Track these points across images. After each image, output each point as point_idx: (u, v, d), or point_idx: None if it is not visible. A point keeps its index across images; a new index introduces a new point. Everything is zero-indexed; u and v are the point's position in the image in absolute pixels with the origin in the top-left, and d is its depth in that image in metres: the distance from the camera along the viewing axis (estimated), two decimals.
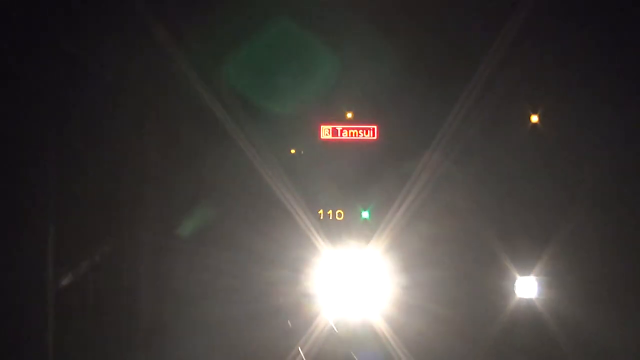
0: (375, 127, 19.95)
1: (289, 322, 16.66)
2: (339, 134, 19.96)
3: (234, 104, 15.74)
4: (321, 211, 19.84)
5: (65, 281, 7.65)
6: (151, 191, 12.73)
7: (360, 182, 19.30)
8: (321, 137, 20.01)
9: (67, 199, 8.62)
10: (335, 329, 16.16)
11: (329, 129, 20.11)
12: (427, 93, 17.61)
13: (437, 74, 17.36)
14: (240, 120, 16.17)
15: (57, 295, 7.30)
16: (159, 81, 13.10)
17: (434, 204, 18.01)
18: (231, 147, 16.53)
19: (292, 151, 20.31)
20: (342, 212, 19.86)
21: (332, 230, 18.95)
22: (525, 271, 17.02)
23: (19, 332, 6.19)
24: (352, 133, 19.97)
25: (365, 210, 19.56)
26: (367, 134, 19.92)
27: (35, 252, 6.37)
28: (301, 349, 15.68)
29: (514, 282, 16.95)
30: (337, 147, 19.91)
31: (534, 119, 18.41)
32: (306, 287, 17.43)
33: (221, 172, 16.93)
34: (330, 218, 19.77)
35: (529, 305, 16.80)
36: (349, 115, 20.05)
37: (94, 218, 9.21)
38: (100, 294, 9.59)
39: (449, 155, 17.55)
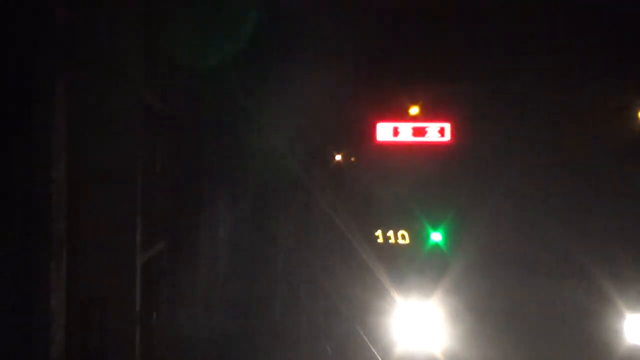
0: (448, 125, 17.95)
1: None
2: (401, 135, 18.09)
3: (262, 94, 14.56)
4: (379, 233, 18.13)
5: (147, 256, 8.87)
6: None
7: (430, 196, 17.60)
8: (378, 139, 18.16)
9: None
10: None
11: (388, 129, 18.19)
12: (513, 81, 16.01)
13: (524, 57, 15.66)
14: (269, 115, 14.80)
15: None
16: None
17: (523, 223, 16.37)
18: (261, 153, 15.18)
19: (339, 158, 18.41)
20: (406, 234, 18.08)
21: (393, 258, 17.29)
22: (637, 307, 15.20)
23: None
24: (418, 133, 18.05)
25: (435, 231, 17.72)
26: (437, 134, 17.96)
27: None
28: None
29: (622, 321, 15.19)
30: (398, 151, 18.10)
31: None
32: (366, 334, 15.60)
33: (255, 185, 15.62)
34: (392, 241, 18.07)
35: None
36: (414, 110, 18.12)
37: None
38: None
39: (543, 164, 16.20)
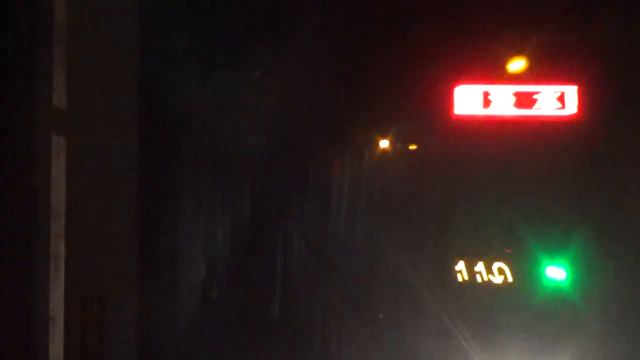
0: (573, 88, 13.52)
1: None
2: (495, 105, 13.63)
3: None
4: (460, 265, 13.49)
5: None
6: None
7: (543, 205, 13.45)
8: (456, 112, 13.66)
9: None
10: None
11: (473, 95, 13.64)
12: None
13: None
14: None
15: None
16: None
17: None
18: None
19: (385, 144, 15.14)
20: (504, 268, 13.52)
21: (484, 308, 13.03)
22: None
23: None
24: (523, 102, 13.63)
25: (554, 263, 13.46)
26: (555, 103, 13.56)
27: None
28: None
29: None
30: (490, 130, 13.79)
31: None
32: None
33: (254, 187, 15.30)
34: (480, 280, 13.49)
35: None
36: (517, 65, 14.04)
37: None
38: None
39: None
